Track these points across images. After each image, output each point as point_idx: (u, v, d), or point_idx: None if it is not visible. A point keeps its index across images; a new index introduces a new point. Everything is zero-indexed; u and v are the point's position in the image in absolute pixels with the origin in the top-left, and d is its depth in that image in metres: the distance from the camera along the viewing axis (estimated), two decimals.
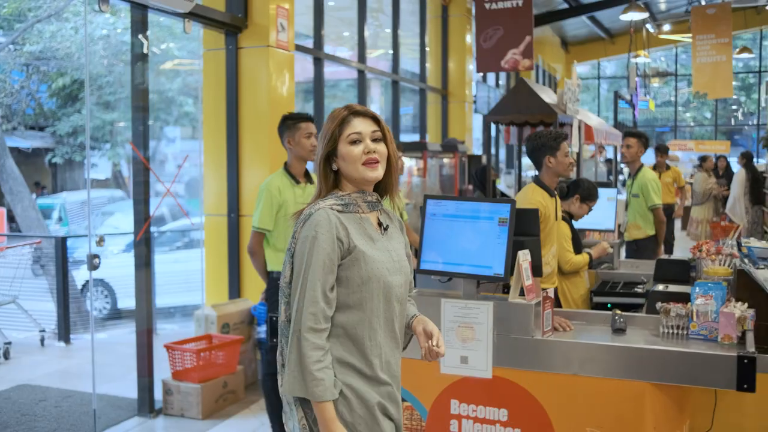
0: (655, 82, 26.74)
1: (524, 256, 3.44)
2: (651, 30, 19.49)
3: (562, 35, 22.54)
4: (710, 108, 27.43)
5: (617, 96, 13.82)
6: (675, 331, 3.56)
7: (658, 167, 9.84)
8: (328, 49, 8.20)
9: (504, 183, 14.39)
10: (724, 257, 3.95)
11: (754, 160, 13.39)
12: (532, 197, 4.21)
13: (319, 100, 7.86)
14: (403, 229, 2.63)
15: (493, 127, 9.37)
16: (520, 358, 3.42)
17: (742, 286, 3.75)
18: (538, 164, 4.34)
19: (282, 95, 6.42)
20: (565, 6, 17.92)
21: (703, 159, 14.15)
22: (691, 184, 13.66)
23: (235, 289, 6.38)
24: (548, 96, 7.73)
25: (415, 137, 11.72)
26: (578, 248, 4.86)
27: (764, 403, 3.63)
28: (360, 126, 2.41)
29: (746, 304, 3.62)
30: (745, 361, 3.05)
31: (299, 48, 7.23)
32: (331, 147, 2.42)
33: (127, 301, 8.38)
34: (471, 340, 3.49)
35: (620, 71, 26.60)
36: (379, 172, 2.41)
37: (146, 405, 5.41)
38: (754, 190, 12.71)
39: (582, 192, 4.92)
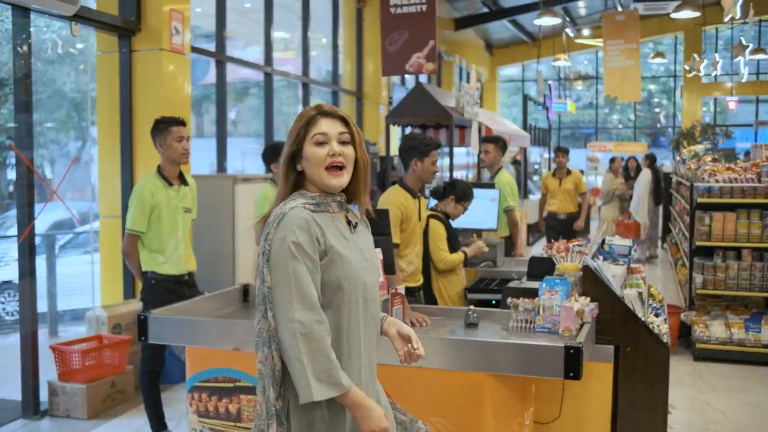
0: (578, 85, 27.37)
1: (375, 254, 3.59)
2: (570, 34, 19.96)
3: (486, 38, 22.92)
4: (634, 110, 28.24)
5: (526, 99, 14.16)
6: (523, 325, 3.75)
7: (558, 171, 9.61)
8: (242, 51, 8.27)
9: None
10: (574, 254, 4.17)
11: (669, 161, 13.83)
12: (394, 198, 4.37)
13: (222, 103, 7.93)
14: (368, 227, 2.57)
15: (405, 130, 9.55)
16: None
17: (587, 281, 3.97)
18: (405, 165, 4.49)
19: (177, 98, 6.48)
20: (486, 10, 18.31)
21: (612, 160, 14.61)
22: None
23: (130, 290, 6.41)
24: (448, 99, 7.94)
25: None
26: (454, 247, 5.04)
27: (606, 392, 3.87)
28: (327, 126, 2.32)
29: (589, 298, 3.86)
30: (571, 351, 3.25)
31: (199, 50, 7.28)
32: (296, 147, 2.34)
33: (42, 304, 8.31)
34: None
35: (546, 74, 27.17)
36: (342, 180, 2.33)
37: (31, 407, 5.42)
38: (657, 191, 13.20)
39: (457, 193, 5.11)
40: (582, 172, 21.88)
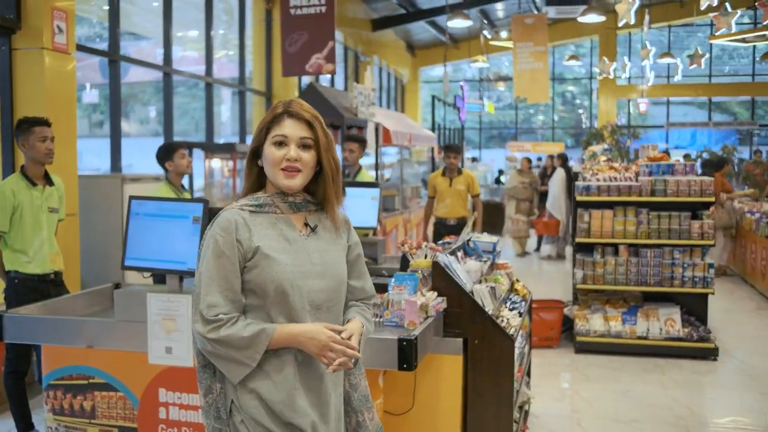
0: (501, 86, 27.84)
1: None
2: (488, 36, 20.33)
3: (407, 39, 23.16)
4: (557, 111, 28.87)
5: (434, 99, 14.38)
6: (374, 319, 3.88)
7: (448, 172, 8.50)
8: (159, 50, 8.21)
9: None
10: (427, 250, 4.32)
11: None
12: None
13: (116, 103, 7.89)
14: (349, 231, 2.49)
15: None
16: None
17: (437, 276, 4.11)
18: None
19: (60, 98, 6.43)
20: (403, 11, 18.52)
21: (526, 160, 15.00)
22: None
23: None
24: (342, 100, 8.08)
25: (236, 139, 11.88)
26: None
27: (456, 383, 4.03)
28: (289, 128, 2.26)
29: (436, 293, 4.01)
30: (404, 343, 3.39)
31: (87, 49, 7.23)
32: (258, 143, 2.30)
33: None
34: (174, 332, 3.70)
35: (470, 74, 27.56)
36: (294, 182, 2.27)
37: None
38: (571, 189, 13.59)
39: None
40: (501, 171, 22.47)
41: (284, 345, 2.23)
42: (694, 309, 7.31)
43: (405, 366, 3.42)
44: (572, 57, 20.59)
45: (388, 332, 3.65)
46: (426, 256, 4.33)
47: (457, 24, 15.72)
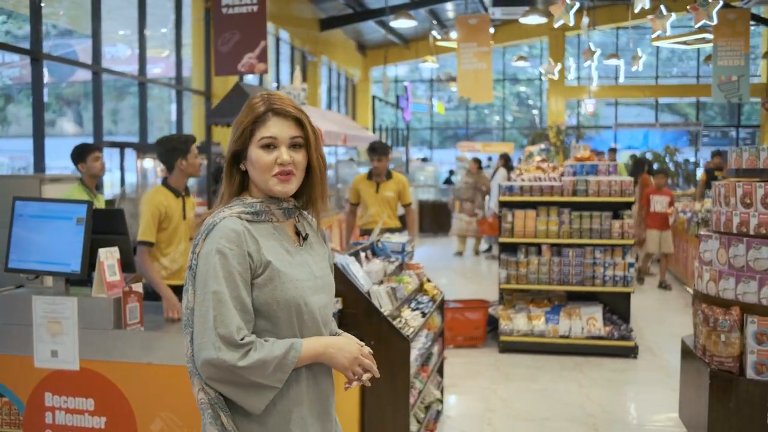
0: (453, 86, 27.94)
1: (107, 254, 3.63)
2: (438, 36, 20.38)
3: (358, 39, 23.13)
4: (511, 111, 29.09)
5: (374, 100, 14.40)
6: None
7: (375, 176, 7.11)
8: (112, 48, 8.11)
9: None
10: None
11: None
12: (154, 197, 4.43)
13: (38, 103, 7.75)
14: (325, 238, 2.30)
15: None
16: (103, 349, 3.62)
17: (336, 278, 4.12)
18: (170, 167, 4.55)
19: None
20: (351, 11, 18.49)
21: (474, 160, 15.11)
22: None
23: None
24: None
25: None
26: None
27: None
28: (277, 128, 2.02)
29: None
30: None
31: (8, 48, 7.11)
32: (240, 146, 2.05)
33: None
34: (59, 335, 3.65)
35: (426, 75, 27.62)
36: (290, 187, 2.05)
37: None
38: None
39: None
40: (452, 172, 22.57)
41: (311, 360, 2.03)
42: (618, 308, 7.42)
43: None
44: (520, 58, 20.74)
45: None
46: None
47: (402, 24, 15.74)
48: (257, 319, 2.00)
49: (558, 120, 23.10)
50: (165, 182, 4.56)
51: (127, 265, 3.79)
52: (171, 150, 4.52)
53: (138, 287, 3.73)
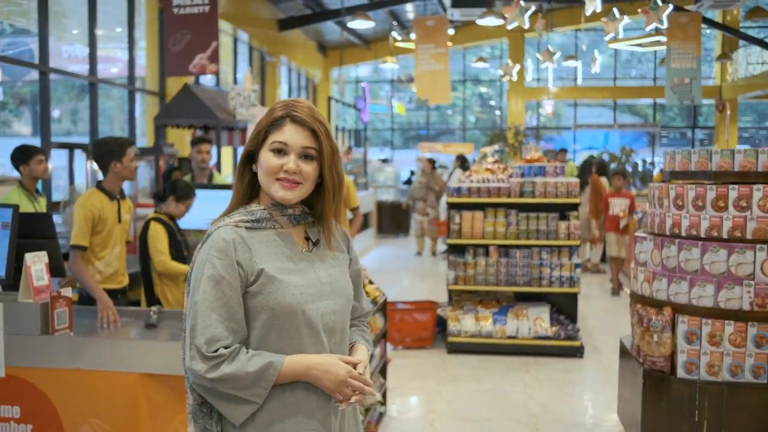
0: (413, 87, 27.99)
1: (34, 258, 3.59)
2: (398, 37, 20.42)
3: (318, 40, 23.09)
4: (474, 112, 29.24)
5: (329, 100, 14.40)
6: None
7: None
8: (69, 47, 7.98)
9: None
10: None
11: None
12: (87, 200, 4.39)
13: None
14: (350, 246, 2.25)
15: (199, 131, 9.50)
16: (29, 355, 3.57)
17: None
18: (104, 169, 4.51)
19: None
20: (310, 11, 18.45)
21: (428, 161, 15.18)
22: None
23: None
24: (223, 102, 8.01)
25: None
26: (178, 249, 5.08)
27: None
28: (290, 135, 2.02)
29: None
30: None
31: None
32: (254, 146, 2.07)
33: None
34: None
35: (390, 75, 27.65)
36: (292, 195, 2.03)
37: None
38: None
39: (177, 192, 5.15)
40: (413, 172, 22.65)
41: (294, 379, 2.00)
42: (565, 308, 7.50)
43: None
44: (480, 59, 20.86)
45: None
46: None
47: (360, 25, 15.78)
48: (253, 326, 2.01)
49: (517, 121, 23.27)
50: (99, 185, 4.52)
51: (56, 269, 3.76)
52: (106, 152, 4.48)
53: (67, 292, 3.69)
